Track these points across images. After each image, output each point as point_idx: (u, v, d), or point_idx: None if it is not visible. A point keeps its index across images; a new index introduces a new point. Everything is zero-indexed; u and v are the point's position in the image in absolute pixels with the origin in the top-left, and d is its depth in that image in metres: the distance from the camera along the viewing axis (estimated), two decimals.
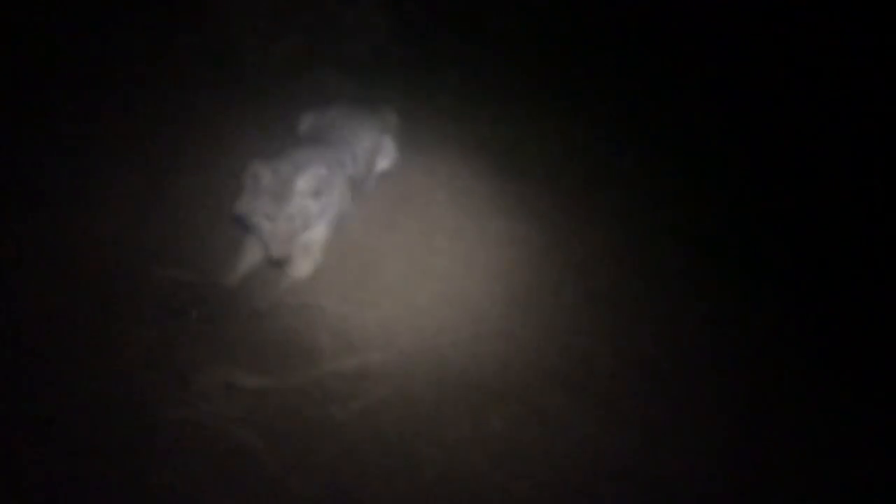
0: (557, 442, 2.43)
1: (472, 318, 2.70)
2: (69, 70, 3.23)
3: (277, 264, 2.64)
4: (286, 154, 2.69)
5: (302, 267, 2.71)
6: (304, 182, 2.55)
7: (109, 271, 2.65)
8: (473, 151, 3.23)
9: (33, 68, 3.17)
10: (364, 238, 2.88)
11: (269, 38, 3.46)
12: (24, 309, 2.51)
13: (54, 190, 2.84)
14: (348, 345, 2.59)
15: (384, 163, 3.04)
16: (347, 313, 2.67)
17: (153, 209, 2.84)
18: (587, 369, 2.61)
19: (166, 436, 2.29)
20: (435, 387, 2.51)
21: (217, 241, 2.76)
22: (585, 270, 2.90)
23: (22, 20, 3.25)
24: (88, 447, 2.25)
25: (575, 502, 2.32)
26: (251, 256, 2.70)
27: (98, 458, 2.23)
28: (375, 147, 2.98)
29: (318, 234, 2.73)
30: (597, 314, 2.77)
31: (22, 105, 3.05)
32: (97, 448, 2.24)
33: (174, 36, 3.38)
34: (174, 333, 2.52)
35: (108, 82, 3.24)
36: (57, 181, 2.87)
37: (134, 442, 2.27)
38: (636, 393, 2.58)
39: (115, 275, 2.65)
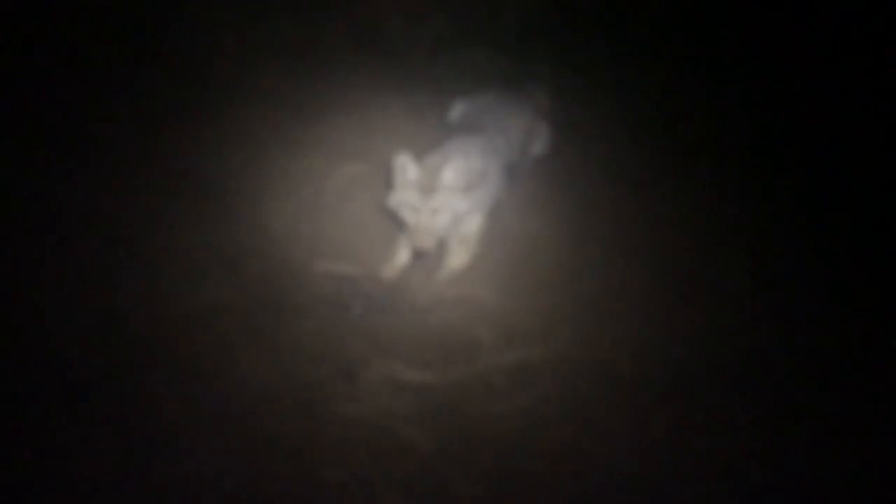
0: (728, 444, 2.31)
1: (636, 310, 2.59)
2: (221, 64, 3.30)
3: (422, 257, 2.62)
4: (437, 143, 2.67)
5: (458, 258, 2.69)
6: (451, 174, 2.51)
7: (273, 265, 2.73)
8: (632, 127, 3.06)
9: (190, 66, 3.27)
10: (521, 226, 2.81)
11: (416, 19, 3.41)
12: (189, 304, 2.61)
13: (217, 185, 2.94)
14: (508, 338, 2.55)
15: (539, 146, 2.95)
16: (506, 305, 2.63)
17: (311, 202, 2.89)
18: (760, 367, 2.45)
19: (335, 432, 2.35)
20: (598, 383, 2.44)
21: (375, 234, 2.78)
22: (760, 256, 2.71)
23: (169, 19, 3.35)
24: (258, 444, 2.33)
25: None
26: (406, 249, 2.70)
27: (269, 454, 2.31)
28: (529, 130, 2.89)
29: (472, 223, 2.69)
30: (772, 306, 2.59)
31: (182, 102, 3.15)
32: (267, 445, 2.32)
33: (322, 24, 3.39)
34: (338, 328, 2.56)
35: (260, 73, 3.29)
36: (218, 176, 2.96)
37: (304, 438, 2.34)
38: (810, 392, 2.41)
39: (279, 269, 2.72)
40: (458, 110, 2.96)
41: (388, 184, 2.61)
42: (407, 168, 2.53)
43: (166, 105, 3.15)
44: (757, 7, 3.43)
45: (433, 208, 2.53)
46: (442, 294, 2.65)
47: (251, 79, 3.26)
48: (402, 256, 2.70)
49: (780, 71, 3.27)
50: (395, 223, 2.65)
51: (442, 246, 2.66)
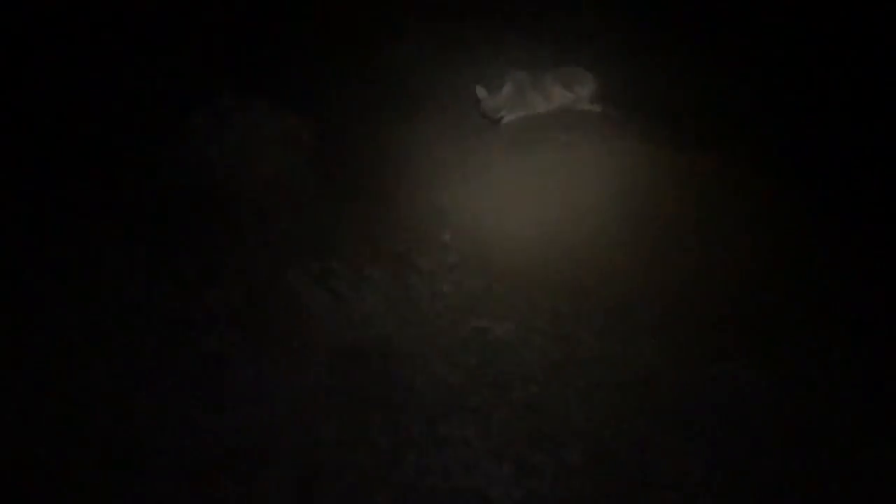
0: (782, 464, 2.17)
1: (675, 314, 2.50)
2: (289, 71, 3.32)
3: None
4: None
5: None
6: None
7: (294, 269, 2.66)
8: (671, 127, 3.03)
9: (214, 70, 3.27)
10: (552, 228, 2.75)
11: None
12: (203, 307, 2.56)
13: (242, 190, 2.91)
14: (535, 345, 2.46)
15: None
16: (536, 309, 2.55)
17: (341, 204, 2.85)
18: (813, 377, 2.34)
19: None
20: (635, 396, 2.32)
21: (406, 237, 2.71)
22: (807, 261, 2.63)
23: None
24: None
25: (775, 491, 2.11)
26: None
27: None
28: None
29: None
30: (824, 311, 2.50)
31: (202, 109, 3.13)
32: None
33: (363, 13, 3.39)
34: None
35: (295, 74, 3.28)
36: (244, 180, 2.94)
37: None
38: (873, 403, 2.28)
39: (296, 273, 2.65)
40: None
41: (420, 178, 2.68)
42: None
43: (184, 112, 3.12)
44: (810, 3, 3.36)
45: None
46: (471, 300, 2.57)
47: (279, 81, 3.26)
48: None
49: (830, 71, 3.22)
50: (428, 226, 2.69)
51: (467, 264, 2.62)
